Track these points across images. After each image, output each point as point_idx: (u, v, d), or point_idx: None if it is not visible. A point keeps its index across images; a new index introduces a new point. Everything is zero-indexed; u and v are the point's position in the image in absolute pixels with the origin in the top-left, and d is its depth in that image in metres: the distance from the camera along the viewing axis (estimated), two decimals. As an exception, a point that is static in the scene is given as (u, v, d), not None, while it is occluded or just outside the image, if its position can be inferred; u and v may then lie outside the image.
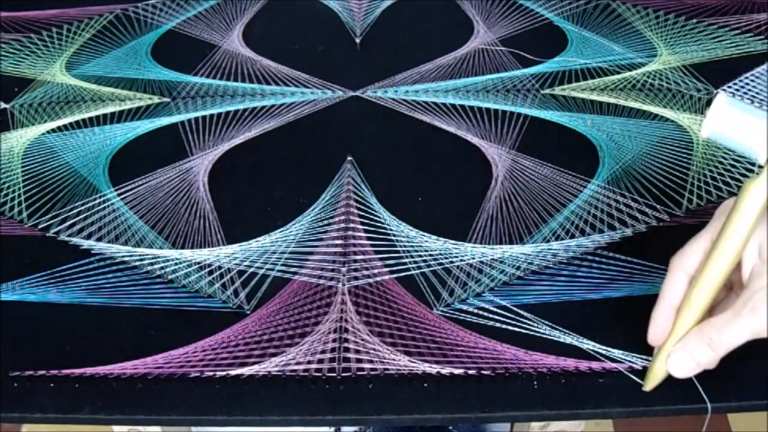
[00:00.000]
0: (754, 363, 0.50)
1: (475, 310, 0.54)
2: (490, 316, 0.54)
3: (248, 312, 0.54)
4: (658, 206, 0.61)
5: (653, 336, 0.48)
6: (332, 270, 0.57)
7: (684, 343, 0.46)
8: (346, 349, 0.51)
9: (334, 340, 0.52)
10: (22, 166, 0.67)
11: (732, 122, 0.43)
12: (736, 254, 0.45)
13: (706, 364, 0.46)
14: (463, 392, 0.49)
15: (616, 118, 0.71)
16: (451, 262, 0.58)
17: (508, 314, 0.54)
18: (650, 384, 0.48)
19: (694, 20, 0.83)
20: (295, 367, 0.50)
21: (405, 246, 0.59)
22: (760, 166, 0.44)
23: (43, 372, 0.50)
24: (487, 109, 0.73)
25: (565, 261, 0.58)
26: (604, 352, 0.51)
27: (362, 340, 0.52)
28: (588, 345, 0.51)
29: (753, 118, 0.43)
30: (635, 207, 0.62)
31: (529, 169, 0.66)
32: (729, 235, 0.45)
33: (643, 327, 0.53)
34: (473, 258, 0.58)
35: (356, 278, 0.57)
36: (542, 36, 0.82)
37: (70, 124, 0.72)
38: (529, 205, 0.62)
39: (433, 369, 0.50)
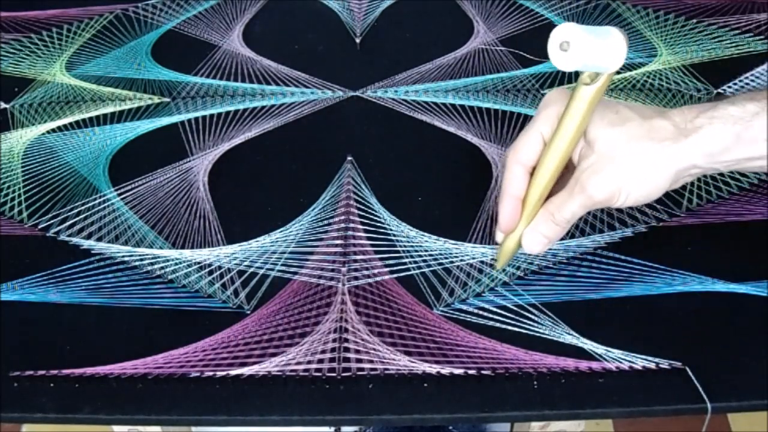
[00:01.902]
0: (754, 363, 0.50)
1: (475, 310, 0.54)
2: (490, 316, 0.54)
3: (248, 312, 0.54)
4: (658, 206, 0.61)
5: (505, 226, 0.52)
6: (332, 270, 0.57)
7: (533, 224, 0.52)
8: (346, 349, 0.51)
9: (334, 340, 0.52)
10: (22, 166, 0.67)
11: (591, 47, 0.45)
12: (572, 147, 0.50)
13: (553, 237, 0.52)
14: (463, 392, 0.49)
15: (616, 118, 0.71)
16: (451, 262, 0.58)
17: (508, 314, 0.54)
18: (501, 263, 0.54)
19: (694, 20, 0.83)
20: (295, 367, 0.50)
21: (405, 246, 0.59)
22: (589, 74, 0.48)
23: (43, 372, 0.50)
24: (487, 109, 0.73)
25: (565, 261, 0.58)
26: (603, 352, 0.51)
27: (362, 340, 0.52)
28: (588, 345, 0.51)
29: (601, 36, 0.46)
30: (635, 207, 0.62)
31: (529, 169, 0.66)
32: (565, 133, 0.49)
33: (644, 327, 0.53)
34: (473, 258, 0.58)
35: (356, 278, 0.57)
36: (542, 36, 0.82)
37: (70, 124, 0.72)
38: (529, 205, 0.62)
39: (433, 369, 0.50)
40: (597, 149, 0.50)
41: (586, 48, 0.45)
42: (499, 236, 0.53)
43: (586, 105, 0.48)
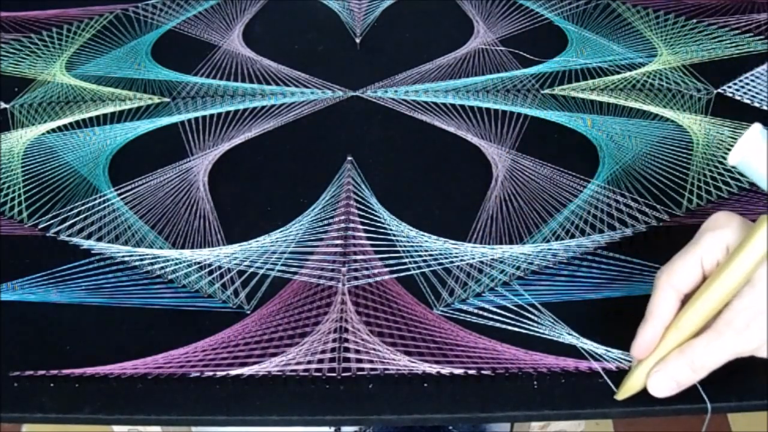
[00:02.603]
0: (754, 363, 0.50)
1: (475, 310, 0.54)
2: (490, 316, 0.54)
3: (248, 312, 0.54)
4: (658, 206, 0.61)
5: (638, 351, 0.47)
6: (332, 270, 0.57)
7: (665, 364, 0.46)
8: (346, 349, 0.51)
9: (334, 340, 0.52)
10: (22, 166, 0.67)
11: (762, 156, 0.43)
12: (739, 285, 0.45)
13: (686, 384, 0.46)
14: (463, 392, 0.49)
15: (616, 118, 0.71)
16: (451, 262, 0.58)
17: (508, 314, 0.54)
18: (623, 394, 0.48)
19: (694, 20, 0.83)
20: (295, 367, 0.50)
21: (405, 246, 0.59)
22: None
23: (43, 372, 0.50)
24: (487, 109, 0.73)
25: (565, 261, 0.58)
26: (603, 352, 0.51)
27: (362, 340, 0.52)
28: (588, 345, 0.51)
29: None
30: (635, 207, 0.62)
31: (529, 169, 0.66)
32: (735, 266, 0.44)
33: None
34: (473, 258, 0.58)
35: (356, 278, 0.57)
36: (542, 36, 0.82)
37: (70, 124, 0.72)
38: (529, 205, 0.62)
39: (433, 369, 0.50)
40: (758, 287, 0.44)
41: (754, 147, 0.42)
42: (633, 362, 0.48)
43: (765, 242, 0.43)
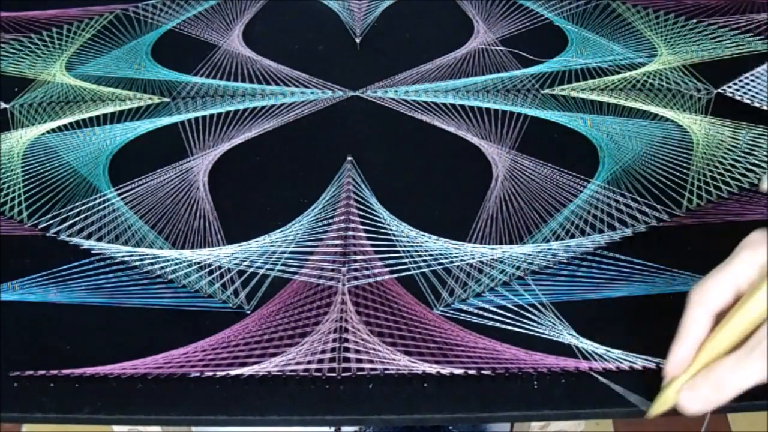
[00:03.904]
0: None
1: (475, 310, 0.54)
2: (490, 316, 0.54)
3: (248, 312, 0.54)
4: (658, 206, 0.61)
5: (672, 369, 0.46)
6: (332, 270, 0.57)
7: (693, 383, 0.45)
8: (346, 349, 0.51)
9: (334, 340, 0.52)
10: (22, 166, 0.67)
11: None
12: None
13: (713, 404, 0.45)
14: (463, 392, 0.49)
15: (616, 118, 0.71)
16: (451, 262, 0.58)
17: (508, 314, 0.54)
18: (656, 411, 0.47)
19: (694, 20, 0.83)
20: (295, 367, 0.50)
21: (405, 246, 0.59)
22: None
23: (43, 372, 0.50)
24: (487, 109, 0.73)
25: (565, 261, 0.58)
26: (604, 352, 0.51)
27: (362, 340, 0.52)
28: (588, 345, 0.51)
29: None
30: (635, 207, 0.62)
31: (529, 169, 0.66)
32: None
33: (644, 327, 0.53)
34: (473, 258, 0.58)
35: (356, 278, 0.57)
36: (542, 36, 0.82)
37: (70, 124, 0.72)
38: (529, 205, 0.62)
39: (433, 369, 0.50)
40: None
41: None
42: (665, 379, 0.47)
43: None
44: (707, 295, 0.46)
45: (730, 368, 0.44)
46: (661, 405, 0.47)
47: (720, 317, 0.46)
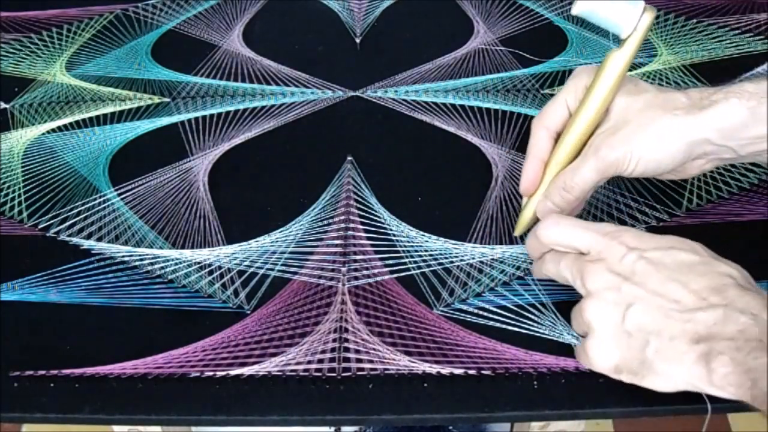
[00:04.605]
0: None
1: (475, 310, 0.54)
2: (490, 316, 0.54)
3: (248, 312, 0.54)
4: (658, 206, 0.61)
5: (525, 187, 0.55)
6: (332, 270, 0.57)
7: (546, 193, 0.54)
8: (346, 349, 0.51)
9: (334, 340, 0.52)
10: (22, 166, 0.67)
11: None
12: (597, 116, 0.52)
13: (563, 206, 0.53)
14: (463, 392, 0.49)
15: (616, 118, 0.71)
16: (451, 262, 0.58)
17: (508, 314, 0.54)
18: (519, 229, 0.57)
19: (694, 20, 0.83)
20: (295, 367, 0.50)
21: (405, 246, 0.59)
22: (622, 40, 0.50)
23: (43, 372, 0.50)
24: (487, 109, 0.73)
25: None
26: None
27: (362, 340, 0.52)
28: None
29: None
30: (635, 207, 0.62)
31: (529, 169, 0.66)
32: (592, 99, 0.52)
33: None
34: (473, 258, 0.58)
35: (356, 278, 0.57)
36: (542, 36, 0.82)
37: (70, 124, 0.72)
38: (529, 205, 0.62)
39: (433, 369, 0.50)
40: (612, 115, 0.52)
41: None
42: (523, 201, 0.56)
43: (612, 72, 0.50)
44: (544, 118, 0.55)
45: (571, 170, 0.52)
46: (522, 223, 0.56)
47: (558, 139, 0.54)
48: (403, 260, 0.58)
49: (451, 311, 0.54)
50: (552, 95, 0.74)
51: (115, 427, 0.70)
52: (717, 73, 0.75)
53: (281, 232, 0.61)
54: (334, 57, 0.80)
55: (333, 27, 0.85)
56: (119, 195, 0.64)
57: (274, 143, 0.70)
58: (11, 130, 0.71)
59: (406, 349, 0.51)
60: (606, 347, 0.46)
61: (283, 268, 0.58)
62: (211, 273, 0.57)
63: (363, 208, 0.63)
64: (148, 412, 0.49)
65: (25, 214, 0.62)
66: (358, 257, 0.58)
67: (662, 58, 0.78)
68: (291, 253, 0.59)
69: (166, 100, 0.75)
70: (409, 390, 0.49)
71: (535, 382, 0.49)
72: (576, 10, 0.49)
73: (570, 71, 0.77)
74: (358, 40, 0.82)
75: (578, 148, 0.53)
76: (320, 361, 0.51)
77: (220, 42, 0.83)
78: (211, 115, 0.73)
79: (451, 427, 0.93)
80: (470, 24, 0.84)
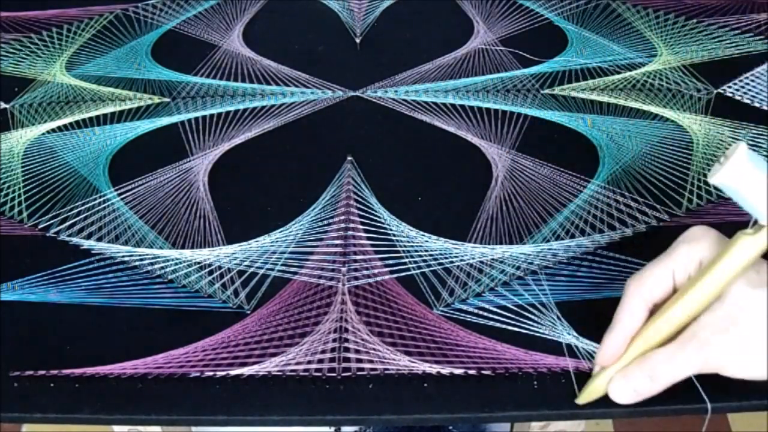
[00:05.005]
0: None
1: (475, 310, 0.54)
2: (490, 316, 0.54)
3: (248, 312, 0.54)
4: (658, 206, 0.61)
5: (604, 359, 0.47)
6: (332, 270, 0.57)
7: (626, 372, 0.46)
8: (346, 349, 0.51)
9: (334, 340, 0.52)
10: (22, 166, 0.67)
11: (747, 178, 0.42)
12: (709, 300, 0.44)
13: (645, 394, 0.46)
14: (463, 392, 0.49)
15: (616, 118, 0.71)
16: (451, 262, 0.58)
17: (508, 314, 0.54)
18: (584, 399, 0.48)
19: (694, 20, 0.83)
20: (295, 367, 0.50)
21: (405, 246, 0.59)
22: (758, 224, 0.44)
23: (43, 372, 0.50)
24: (487, 109, 0.73)
25: (565, 261, 0.58)
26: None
27: (362, 340, 0.52)
28: (588, 345, 0.51)
29: (762, 170, 0.42)
30: (635, 207, 0.62)
31: (529, 169, 0.66)
32: (707, 280, 0.44)
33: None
34: (473, 258, 0.58)
35: (356, 278, 0.57)
36: (542, 36, 0.82)
37: (70, 124, 0.72)
38: (529, 205, 0.62)
39: (433, 369, 0.50)
40: (725, 305, 0.44)
41: (739, 167, 0.41)
42: (596, 368, 0.48)
43: (739, 259, 0.43)
44: (644, 286, 0.46)
45: (664, 359, 0.44)
46: (590, 393, 0.47)
47: (655, 310, 0.47)
48: (403, 260, 0.58)
49: (451, 311, 0.54)
50: (552, 96, 0.74)
51: (115, 427, 0.70)
52: (717, 73, 0.75)
53: (281, 232, 0.61)
54: (334, 57, 0.80)
55: (333, 27, 0.85)
56: (119, 195, 0.64)
57: (274, 143, 0.70)
58: (11, 130, 0.71)
59: (406, 349, 0.51)
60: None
61: (283, 268, 0.57)
62: (211, 273, 0.57)
63: (363, 208, 0.63)
64: (148, 412, 0.49)
65: (25, 214, 0.62)
66: (358, 257, 0.58)
67: (662, 58, 0.78)
68: (291, 253, 0.59)
69: (166, 100, 0.75)
70: (409, 390, 0.49)
71: (535, 382, 0.49)
72: (715, 180, 0.43)
73: (570, 71, 0.77)
74: (358, 40, 0.82)
75: (676, 331, 0.45)
76: (320, 361, 0.51)
77: (220, 42, 0.83)
78: (211, 115, 0.73)
79: (451, 427, 0.93)
80: (470, 24, 0.84)
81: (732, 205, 0.61)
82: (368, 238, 0.60)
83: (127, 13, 0.87)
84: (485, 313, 0.54)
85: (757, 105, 0.71)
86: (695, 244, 0.46)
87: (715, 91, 0.73)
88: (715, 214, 0.61)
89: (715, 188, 0.44)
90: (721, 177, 0.42)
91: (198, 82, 0.77)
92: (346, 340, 0.52)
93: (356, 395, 0.49)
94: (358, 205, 0.63)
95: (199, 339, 0.52)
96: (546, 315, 0.53)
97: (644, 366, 0.45)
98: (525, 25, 0.84)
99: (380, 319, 0.54)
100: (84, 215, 0.62)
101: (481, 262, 0.58)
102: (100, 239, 0.60)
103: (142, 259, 0.58)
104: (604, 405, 0.48)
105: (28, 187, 0.65)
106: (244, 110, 0.73)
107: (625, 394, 0.46)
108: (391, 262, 0.58)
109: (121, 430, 0.71)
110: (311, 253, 0.59)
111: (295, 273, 0.57)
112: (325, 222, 0.61)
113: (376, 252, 0.59)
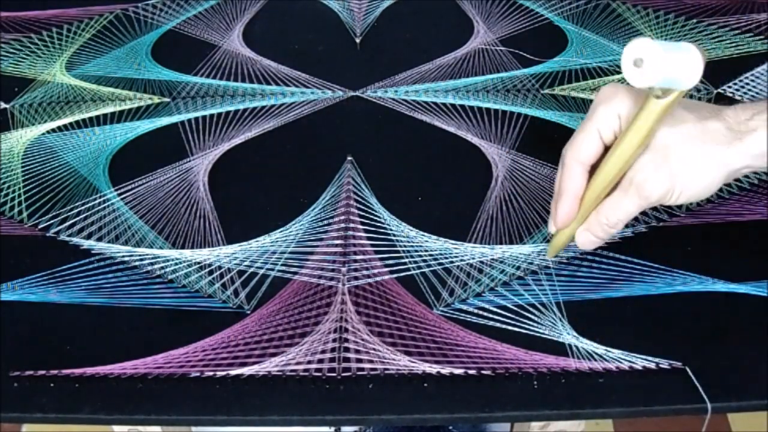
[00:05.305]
0: (754, 363, 0.50)
1: (475, 310, 0.54)
2: (490, 316, 0.54)
3: (248, 312, 0.54)
4: (658, 206, 0.61)
5: (560, 223, 0.53)
6: (332, 270, 0.57)
7: (588, 225, 0.53)
8: (346, 349, 0.51)
9: (334, 340, 0.52)
10: (22, 166, 0.67)
11: (667, 66, 0.45)
12: (634, 158, 0.49)
13: (606, 237, 0.53)
14: (463, 392, 0.49)
15: (616, 118, 0.71)
16: (451, 262, 0.58)
17: (508, 314, 0.54)
18: (551, 254, 0.56)
19: (694, 20, 0.83)
20: (295, 367, 0.50)
21: (405, 246, 0.59)
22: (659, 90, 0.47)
23: (43, 372, 0.50)
24: (487, 109, 0.73)
25: (565, 261, 0.58)
26: (603, 352, 0.51)
27: (362, 340, 0.52)
28: (588, 345, 0.51)
29: (678, 53, 0.45)
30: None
31: (529, 169, 0.66)
32: (629, 143, 0.49)
33: (644, 327, 0.53)
34: (473, 258, 0.58)
35: (356, 278, 0.57)
36: (542, 36, 0.82)
37: (70, 124, 0.72)
38: (529, 205, 0.62)
39: (433, 369, 0.50)
40: (652, 149, 0.50)
41: (661, 65, 0.44)
42: (552, 229, 0.54)
43: (656, 118, 0.48)
44: (578, 151, 0.52)
45: (612, 205, 0.51)
46: (556, 249, 0.56)
47: (592, 172, 0.52)
48: (403, 260, 0.58)
49: (451, 311, 0.54)
50: (552, 96, 0.74)
51: (115, 427, 0.70)
52: (717, 73, 0.75)
53: (281, 232, 0.61)
54: (334, 57, 0.80)
55: (333, 27, 0.85)
56: (119, 195, 0.64)
57: (274, 143, 0.70)
58: (11, 130, 0.71)
59: (406, 349, 0.51)
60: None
61: (283, 268, 0.57)
62: (211, 273, 0.57)
63: (363, 208, 0.63)
64: (148, 412, 0.49)
65: (25, 214, 0.62)
66: (358, 257, 0.58)
67: (662, 58, 0.78)
68: (291, 253, 0.59)
69: (166, 100, 0.75)
70: (409, 390, 0.49)
71: (535, 382, 0.49)
72: (643, 83, 0.46)
73: (570, 71, 0.77)
74: (358, 40, 0.82)
75: (616, 182, 0.51)
76: (320, 361, 0.51)
77: (220, 42, 0.83)
78: (211, 115, 0.73)
79: (451, 427, 0.93)
80: (470, 24, 0.84)
81: (732, 205, 0.61)
82: (368, 238, 0.60)
83: (127, 13, 0.87)
84: (485, 313, 0.54)
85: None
86: (610, 103, 0.51)
87: (715, 91, 0.73)
88: (715, 214, 0.61)
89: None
90: (648, 78, 0.45)
91: (198, 82, 0.77)
92: (346, 340, 0.52)
93: (356, 395, 0.49)
94: (358, 205, 0.63)
95: (199, 339, 0.52)
96: (546, 315, 0.53)
97: (598, 216, 0.52)
98: (525, 25, 0.84)
99: (380, 319, 0.54)
100: (84, 215, 0.62)
101: (481, 262, 0.58)
102: (100, 239, 0.60)
103: (142, 259, 0.58)
104: (604, 405, 0.49)
105: (28, 187, 0.65)
106: (244, 110, 0.73)
107: (589, 242, 0.54)
108: (391, 262, 0.58)
109: (121, 430, 0.71)
110: (311, 253, 0.59)
111: (295, 273, 0.57)
112: (325, 222, 0.61)
113: (376, 252, 0.59)
